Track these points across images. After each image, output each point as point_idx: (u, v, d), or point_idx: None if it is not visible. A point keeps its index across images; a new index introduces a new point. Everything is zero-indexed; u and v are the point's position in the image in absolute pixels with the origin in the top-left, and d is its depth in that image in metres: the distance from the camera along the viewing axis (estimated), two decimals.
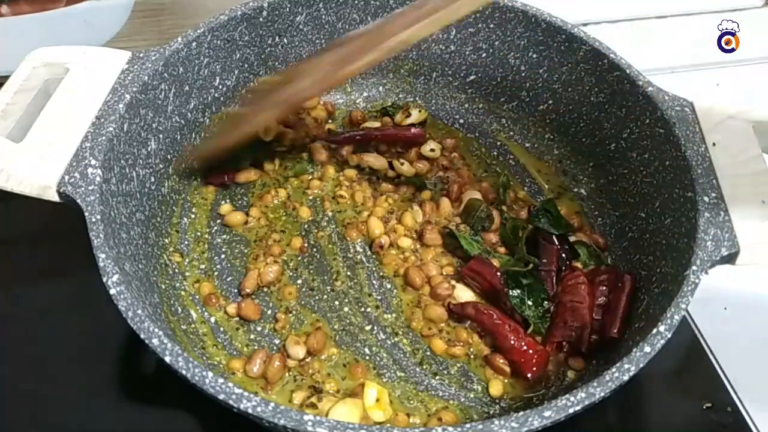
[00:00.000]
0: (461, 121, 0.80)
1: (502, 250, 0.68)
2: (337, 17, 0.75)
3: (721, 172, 0.59)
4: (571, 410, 0.45)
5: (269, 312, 0.63)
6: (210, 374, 0.45)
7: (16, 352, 0.62)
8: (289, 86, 0.66)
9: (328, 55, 0.65)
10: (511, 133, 0.79)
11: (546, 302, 0.63)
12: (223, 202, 0.71)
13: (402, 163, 0.74)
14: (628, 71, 0.66)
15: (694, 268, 0.52)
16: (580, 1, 0.90)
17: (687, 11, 0.96)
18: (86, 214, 0.52)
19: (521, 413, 0.44)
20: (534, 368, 0.59)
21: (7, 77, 0.60)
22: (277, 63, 0.75)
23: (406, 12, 0.61)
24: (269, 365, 0.58)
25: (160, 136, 0.65)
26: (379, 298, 0.65)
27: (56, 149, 0.55)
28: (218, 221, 0.70)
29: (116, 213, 0.56)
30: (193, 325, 0.61)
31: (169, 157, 0.67)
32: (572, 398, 0.45)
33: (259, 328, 0.62)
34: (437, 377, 0.60)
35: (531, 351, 0.59)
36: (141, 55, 0.62)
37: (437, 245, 0.68)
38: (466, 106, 0.80)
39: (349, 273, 0.66)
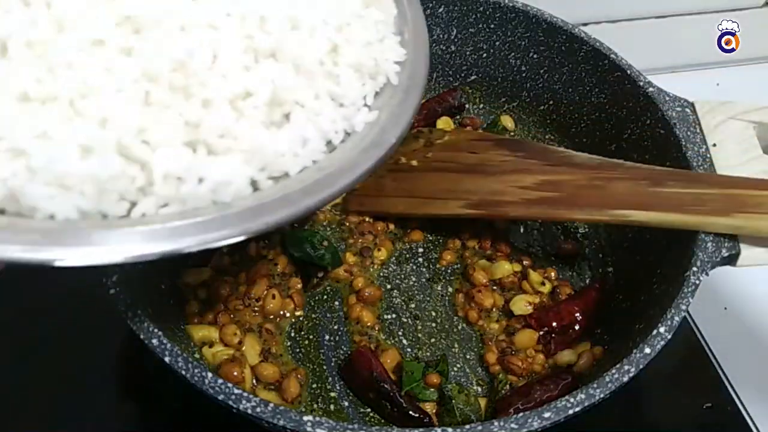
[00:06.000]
0: (462, 122, 0.80)
1: None
2: None
3: (721, 173, 0.59)
4: (570, 411, 0.45)
5: None
6: (210, 374, 0.45)
7: (16, 352, 0.62)
8: (486, 179, 0.63)
9: (537, 169, 0.62)
10: (512, 133, 0.79)
11: None
12: None
13: None
14: (628, 71, 0.66)
15: (695, 269, 0.52)
16: (581, 1, 0.90)
17: (687, 11, 0.96)
18: None
19: (521, 414, 0.45)
20: None
21: None
22: None
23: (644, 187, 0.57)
24: None
25: None
26: None
27: None
28: None
29: None
30: None
31: None
32: (572, 399, 0.46)
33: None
34: None
35: None
36: None
37: None
38: (467, 106, 0.80)
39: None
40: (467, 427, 0.44)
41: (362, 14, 0.44)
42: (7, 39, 0.35)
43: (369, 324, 0.62)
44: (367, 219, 0.69)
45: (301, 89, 0.40)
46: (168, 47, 0.37)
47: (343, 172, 0.40)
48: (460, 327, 0.63)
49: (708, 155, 0.60)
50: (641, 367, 0.47)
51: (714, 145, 0.60)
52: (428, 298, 0.65)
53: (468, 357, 0.61)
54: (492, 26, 0.74)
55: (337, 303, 0.64)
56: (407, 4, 0.49)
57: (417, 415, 0.55)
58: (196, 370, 0.45)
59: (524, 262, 0.67)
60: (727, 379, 0.64)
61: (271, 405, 0.44)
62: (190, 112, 0.36)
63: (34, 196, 0.33)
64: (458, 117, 0.79)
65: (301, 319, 0.62)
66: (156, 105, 0.36)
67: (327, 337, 0.61)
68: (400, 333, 0.62)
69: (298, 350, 0.60)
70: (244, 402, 0.44)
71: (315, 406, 0.57)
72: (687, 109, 0.63)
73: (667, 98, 0.64)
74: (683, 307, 0.51)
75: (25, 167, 0.33)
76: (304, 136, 0.40)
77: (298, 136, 0.40)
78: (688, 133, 0.61)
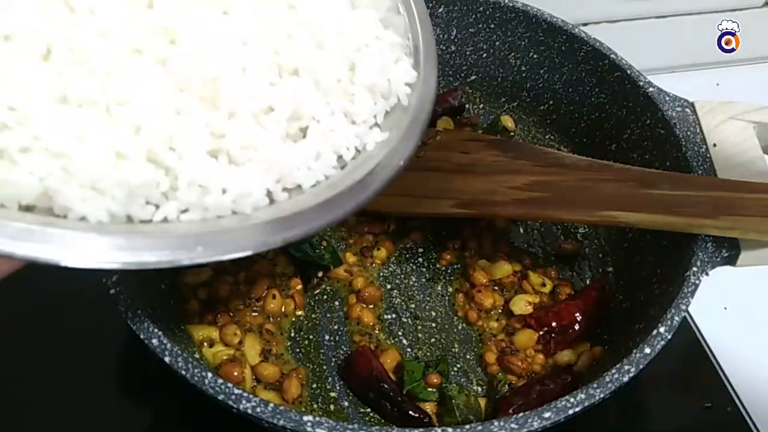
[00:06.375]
0: (462, 121, 0.80)
1: None
2: None
3: (721, 173, 0.59)
4: (570, 411, 0.45)
5: None
6: (209, 374, 0.45)
7: (16, 352, 0.62)
8: (481, 180, 0.63)
9: (528, 170, 0.62)
10: (512, 133, 0.79)
11: None
12: None
13: None
14: (629, 72, 0.66)
15: (695, 269, 0.52)
16: (581, 1, 0.90)
17: (687, 11, 0.96)
18: None
19: (521, 414, 0.45)
20: None
21: None
22: None
23: (637, 190, 0.57)
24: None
25: None
26: None
27: None
28: None
29: None
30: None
31: None
32: (572, 399, 0.46)
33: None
34: None
35: None
36: None
37: None
38: (467, 106, 0.80)
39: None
40: (467, 427, 0.44)
41: (381, 36, 0.45)
42: (52, 43, 0.36)
43: (369, 324, 0.62)
44: (366, 219, 0.69)
45: (319, 105, 0.41)
46: (201, 60, 0.38)
47: (354, 191, 0.41)
48: (460, 327, 0.63)
49: (708, 155, 0.60)
50: (641, 367, 0.47)
51: (714, 145, 0.60)
52: (428, 298, 0.65)
53: (468, 357, 0.61)
54: (492, 26, 0.74)
55: (337, 303, 0.64)
56: (419, 25, 0.49)
57: (417, 415, 0.55)
58: (196, 370, 0.45)
59: (524, 262, 0.67)
60: (727, 379, 0.64)
61: (271, 405, 0.44)
62: (217, 123, 0.38)
63: (69, 197, 0.34)
64: (458, 117, 0.79)
65: (301, 319, 0.62)
66: (185, 114, 0.37)
67: (327, 337, 0.61)
68: (400, 333, 0.62)
69: (298, 350, 0.60)
70: (244, 402, 0.44)
71: (315, 406, 0.57)
72: (687, 109, 0.63)
73: (667, 98, 0.64)
74: (683, 307, 0.51)
75: (61, 168, 0.34)
76: (318, 150, 0.41)
77: (313, 150, 0.41)
78: (688, 133, 0.61)
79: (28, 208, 0.34)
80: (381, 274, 0.66)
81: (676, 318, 0.50)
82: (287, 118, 0.40)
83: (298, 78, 0.41)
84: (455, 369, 0.61)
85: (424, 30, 0.49)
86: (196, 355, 0.57)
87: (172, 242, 0.35)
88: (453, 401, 0.56)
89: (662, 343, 0.49)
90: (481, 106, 0.80)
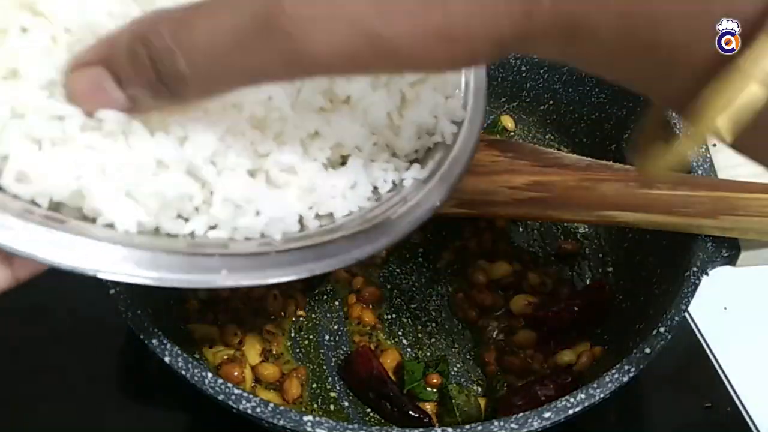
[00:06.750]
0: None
1: None
2: None
3: (721, 173, 0.59)
4: (570, 411, 0.45)
5: None
6: (209, 374, 0.45)
7: (15, 353, 0.62)
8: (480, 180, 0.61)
9: (527, 170, 0.60)
10: (512, 133, 0.79)
11: None
12: None
13: None
14: None
15: (694, 269, 0.52)
16: None
17: None
18: None
19: (521, 414, 0.45)
20: None
21: None
22: None
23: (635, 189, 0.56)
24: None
25: None
26: None
27: None
28: None
29: None
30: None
31: None
32: (572, 399, 0.46)
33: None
34: None
35: None
36: None
37: None
38: None
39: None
40: (467, 427, 0.44)
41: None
42: None
43: (369, 324, 0.62)
44: None
45: (364, 136, 0.40)
46: None
47: (386, 229, 0.39)
48: (460, 327, 0.63)
49: (708, 155, 0.60)
50: (641, 367, 0.47)
51: (714, 145, 0.60)
52: (428, 298, 0.65)
53: (468, 357, 0.62)
54: None
55: (337, 303, 0.64)
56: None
57: (417, 415, 0.55)
58: (196, 370, 0.45)
59: (524, 262, 0.67)
60: (727, 379, 0.64)
61: (271, 405, 0.44)
62: (262, 144, 0.37)
63: (102, 201, 0.33)
64: None
65: (301, 319, 0.62)
66: (232, 131, 0.36)
67: (327, 337, 0.62)
68: (400, 333, 0.62)
69: (298, 350, 0.60)
70: (244, 402, 0.44)
71: (315, 406, 0.57)
72: None
73: None
74: (683, 307, 0.51)
75: (99, 168, 0.33)
76: (356, 179, 0.40)
77: (351, 179, 0.40)
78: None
79: (57, 206, 0.33)
80: (381, 274, 0.66)
81: (676, 318, 0.50)
82: (331, 146, 0.39)
83: (349, 106, 0.40)
84: (455, 369, 0.61)
85: (478, 69, 0.47)
86: (196, 355, 0.57)
87: (197, 263, 0.34)
88: (453, 401, 0.56)
89: (662, 343, 0.49)
90: None
